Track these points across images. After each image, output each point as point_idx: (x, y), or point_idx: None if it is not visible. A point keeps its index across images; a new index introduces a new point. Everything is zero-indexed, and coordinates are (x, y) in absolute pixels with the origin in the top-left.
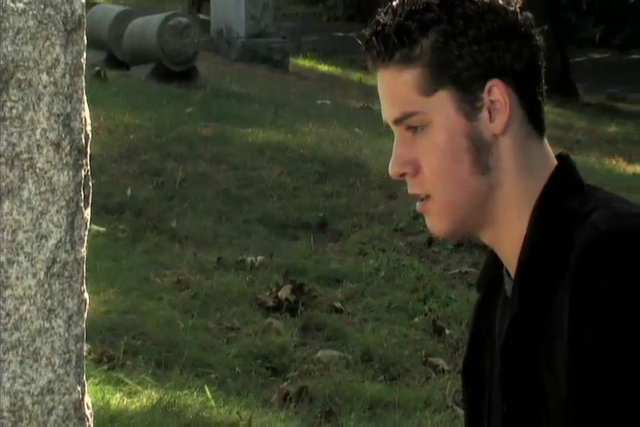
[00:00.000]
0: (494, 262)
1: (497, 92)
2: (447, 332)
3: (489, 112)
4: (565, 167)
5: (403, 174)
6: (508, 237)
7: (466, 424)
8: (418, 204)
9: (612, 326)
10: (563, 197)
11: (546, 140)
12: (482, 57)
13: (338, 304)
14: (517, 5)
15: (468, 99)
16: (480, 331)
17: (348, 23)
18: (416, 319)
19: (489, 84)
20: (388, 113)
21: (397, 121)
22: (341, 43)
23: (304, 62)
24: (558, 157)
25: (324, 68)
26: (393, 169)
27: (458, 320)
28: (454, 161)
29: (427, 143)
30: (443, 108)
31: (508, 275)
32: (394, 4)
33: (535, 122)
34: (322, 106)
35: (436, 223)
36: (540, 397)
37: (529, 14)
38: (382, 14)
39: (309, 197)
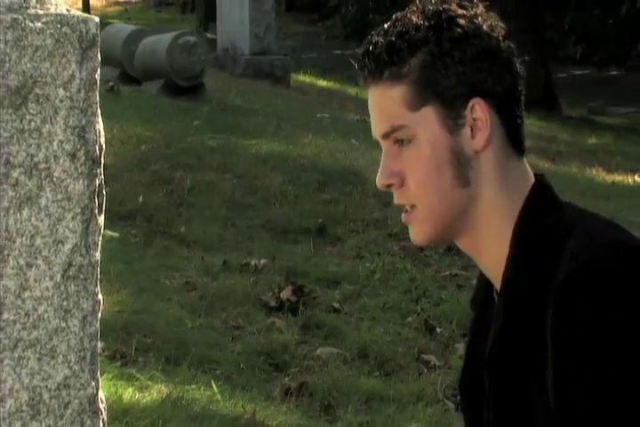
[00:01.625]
0: (486, 281)
1: (479, 111)
2: (438, 330)
3: (471, 129)
4: (542, 186)
5: (389, 185)
6: (489, 246)
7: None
8: (403, 215)
9: (589, 357)
10: (541, 214)
11: (525, 160)
12: (466, 77)
13: (336, 305)
14: (501, 33)
15: (452, 115)
16: (477, 347)
17: (345, 42)
18: (409, 319)
19: (472, 102)
20: (377, 127)
21: (386, 135)
22: (339, 60)
23: (304, 78)
24: (535, 176)
25: (322, 83)
26: (380, 181)
27: (448, 319)
28: (438, 173)
29: (412, 156)
30: (428, 123)
31: (497, 294)
32: (386, 25)
33: (514, 142)
34: (321, 119)
35: (419, 232)
36: (526, 408)
37: (511, 43)
38: (375, 34)
39: (309, 205)
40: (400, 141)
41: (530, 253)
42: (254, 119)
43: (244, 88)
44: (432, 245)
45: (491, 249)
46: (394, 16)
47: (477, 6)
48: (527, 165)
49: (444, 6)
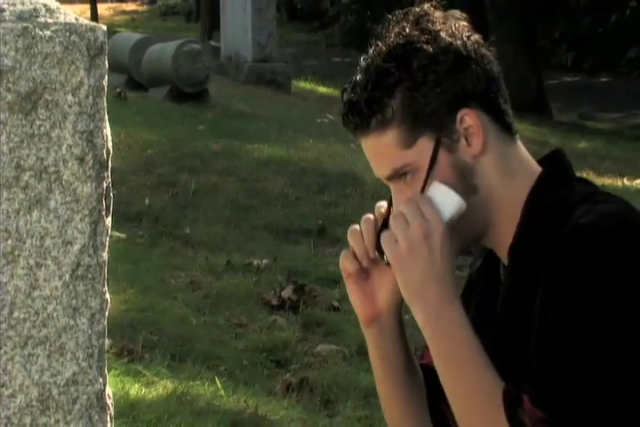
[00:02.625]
0: (495, 258)
1: (468, 120)
2: None
3: (465, 138)
4: (556, 162)
5: None
6: (505, 234)
7: None
8: None
9: (569, 309)
10: (552, 189)
11: (519, 141)
12: (445, 95)
13: (336, 303)
14: (464, 34)
15: (445, 135)
16: (480, 316)
17: (344, 49)
18: (406, 317)
19: (459, 114)
20: (379, 172)
21: (390, 177)
22: (338, 67)
23: (305, 85)
24: (554, 152)
25: (322, 89)
26: (398, 209)
27: None
28: None
29: (420, 184)
30: (427, 151)
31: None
32: (357, 78)
33: (506, 128)
34: (321, 124)
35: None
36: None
37: (476, 36)
38: (349, 90)
39: (310, 206)
40: (404, 174)
41: (536, 222)
42: (257, 124)
43: (247, 94)
44: (461, 254)
45: (507, 236)
46: (361, 63)
47: (435, 22)
48: (521, 145)
49: (403, 40)
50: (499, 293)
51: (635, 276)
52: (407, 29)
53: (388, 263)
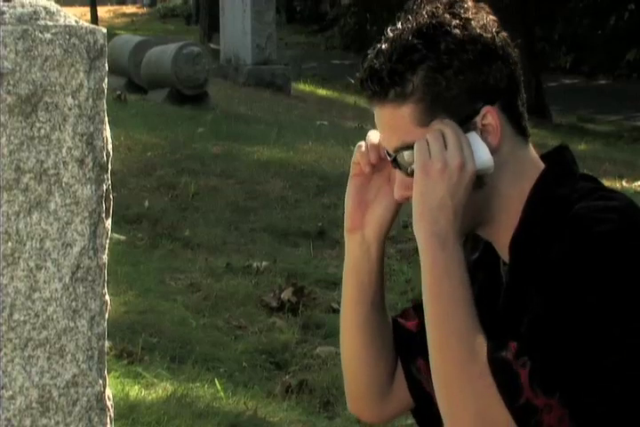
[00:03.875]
0: (493, 251)
1: (490, 118)
2: None
3: (481, 134)
4: (560, 159)
5: (408, 198)
6: (505, 231)
7: None
8: None
9: (560, 299)
10: (554, 185)
11: (530, 144)
12: (468, 84)
13: (335, 305)
14: (493, 28)
15: (461, 123)
16: (480, 309)
17: (344, 52)
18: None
19: (484, 110)
20: (388, 143)
21: (398, 150)
22: (338, 69)
23: (304, 87)
24: (558, 148)
25: (322, 92)
26: (399, 194)
27: None
28: None
29: None
30: None
31: (505, 263)
32: (382, 46)
33: (521, 131)
34: (320, 126)
35: None
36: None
37: (504, 33)
38: (372, 57)
39: (309, 209)
40: (410, 148)
41: (537, 217)
42: (256, 127)
43: (247, 97)
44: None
45: (508, 232)
46: (388, 34)
47: (468, 10)
48: (532, 147)
49: (436, 20)
50: (499, 289)
51: (634, 273)
52: (440, 11)
53: (406, 173)
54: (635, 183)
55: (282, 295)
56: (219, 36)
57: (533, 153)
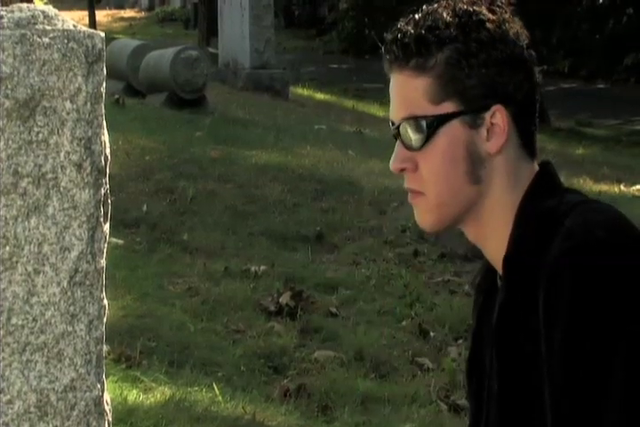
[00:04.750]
0: (491, 268)
1: (499, 117)
2: (432, 334)
3: (487, 132)
4: (545, 172)
5: (402, 169)
6: (492, 235)
7: (470, 414)
8: (410, 195)
9: (575, 330)
10: (542, 198)
11: (535, 163)
12: (488, 80)
13: (333, 309)
14: (525, 42)
15: (471, 114)
16: (482, 329)
17: (342, 56)
18: (404, 323)
19: (494, 108)
20: (395, 112)
21: (403, 120)
22: (336, 73)
23: (303, 91)
24: (540, 163)
25: (320, 96)
26: (394, 164)
27: (441, 324)
28: (451, 166)
29: (428, 146)
30: (447, 117)
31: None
32: (416, 15)
33: (528, 147)
34: (319, 130)
35: (425, 218)
36: (529, 379)
37: (533, 52)
38: (404, 23)
39: (307, 213)
40: (416, 120)
41: (528, 232)
42: (254, 131)
43: (245, 101)
44: (435, 232)
45: (496, 240)
46: (425, 8)
47: (506, 12)
48: (537, 166)
49: (475, 8)
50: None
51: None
52: (478, 3)
53: (406, 145)
54: (633, 187)
55: (280, 299)
56: (217, 40)
57: (536, 171)
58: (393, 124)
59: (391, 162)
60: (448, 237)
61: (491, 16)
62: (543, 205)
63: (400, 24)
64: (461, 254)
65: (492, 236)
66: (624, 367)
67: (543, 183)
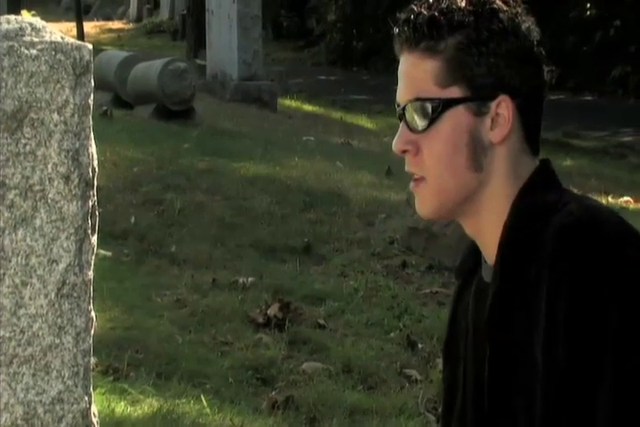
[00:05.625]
0: (473, 252)
1: (504, 107)
2: (420, 346)
3: (491, 121)
4: (545, 169)
5: (404, 151)
6: (489, 228)
7: (444, 395)
8: (411, 183)
9: (579, 303)
10: (541, 192)
11: (537, 160)
12: (496, 69)
13: (321, 321)
14: (536, 38)
15: (477, 102)
16: (457, 315)
17: (330, 68)
18: (392, 334)
19: (500, 98)
20: (402, 94)
21: (408, 102)
22: (324, 85)
23: (290, 103)
24: (540, 161)
25: (308, 107)
26: (397, 145)
27: (429, 335)
28: (454, 151)
29: (432, 130)
30: (453, 102)
31: (486, 262)
32: (431, 0)
33: (531, 142)
34: (306, 142)
35: (426, 205)
36: (528, 360)
37: (543, 50)
38: (417, 5)
39: (295, 224)
40: (422, 101)
41: (525, 220)
42: (242, 142)
43: (233, 112)
44: (435, 220)
45: (490, 233)
46: None
47: (519, 6)
48: (536, 162)
49: (490, 0)
50: (472, 288)
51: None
52: None
53: (410, 127)
54: (620, 199)
55: (268, 311)
56: (205, 51)
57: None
58: (399, 105)
59: (394, 143)
60: (436, 248)
61: (505, 7)
62: (541, 199)
63: (414, 6)
64: (449, 266)
65: (487, 228)
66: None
67: (543, 179)
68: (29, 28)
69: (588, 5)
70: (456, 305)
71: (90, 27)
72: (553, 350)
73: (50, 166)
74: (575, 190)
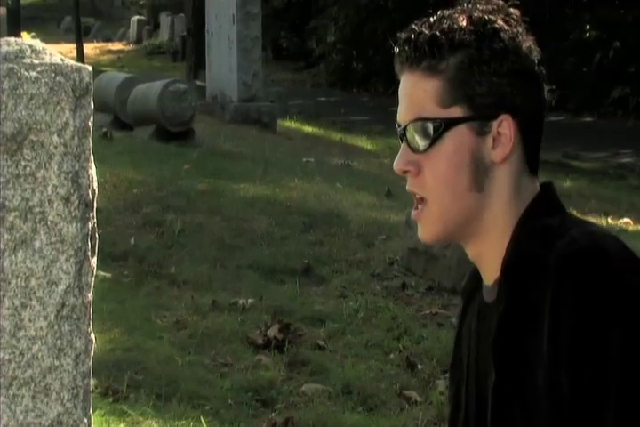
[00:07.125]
0: (476, 273)
1: (506, 126)
2: (419, 367)
3: (493, 140)
4: (548, 193)
5: (405, 172)
6: (489, 250)
7: (449, 414)
8: (413, 211)
9: (581, 331)
10: (543, 216)
11: (537, 181)
12: (498, 89)
13: (321, 342)
14: (537, 57)
15: (478, 121)
16: (462, 335)
17: (329, 89)
18: (391, 356)
19: (502, 117)
20: (403, 114)
21: (410, 123)
22: (324, 106)
23: (290, 124)
24: (542, 184)
25: (308, 129)
26: (398, 165)
27: (429, 356)
28: (456, 172)
29: (433, 150)
30: (455, 122)
31: (485, 283)
32: (431, 18)
33: (531, 162)
34: (306, 163)
35: (428, 231)
36: (532, 383)
37: (543, 70)
38: (419, 25)
39: (295, 246)
40: (424, 121)
41: (530, 241)
42: (242, 164)
43: (233, 133)
44: (438, 244)
45: (492, 253)
46: (440, 12)
47: (520, 25)
48: (537, 183)
49: (491, 17)
50: (485, 314)
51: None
52: (494, 13)
53: (411, 148)
54: (620, 220)
55: (268, 333)
56: (205, 73)
57: (537, 186)
58: (399, 125)
59: (395, 163)
60: (436, 269)
61: (506, 27)
62: (544, 223)
63: (414, 25)
64: (449, 287)
65: (488, 250)
66: (620, 358)
67: (546, 202)
68: (29, 50)
69: (588, 27)
70: (460, 325)
71: (90, 48)
72: (555, 376)
73: (49, 188)
74: (575, 212)
